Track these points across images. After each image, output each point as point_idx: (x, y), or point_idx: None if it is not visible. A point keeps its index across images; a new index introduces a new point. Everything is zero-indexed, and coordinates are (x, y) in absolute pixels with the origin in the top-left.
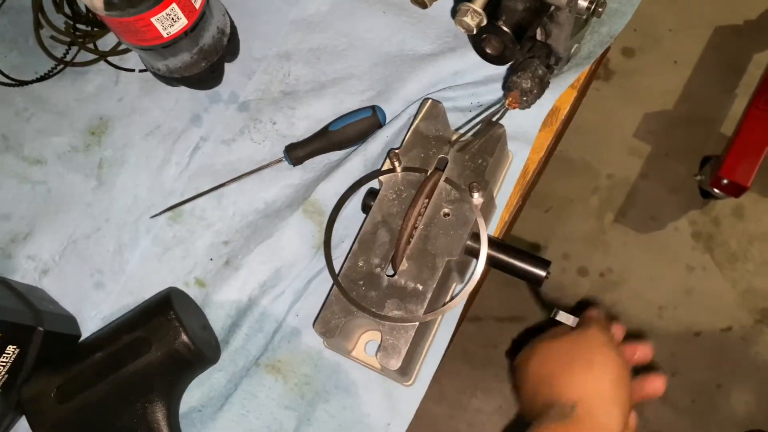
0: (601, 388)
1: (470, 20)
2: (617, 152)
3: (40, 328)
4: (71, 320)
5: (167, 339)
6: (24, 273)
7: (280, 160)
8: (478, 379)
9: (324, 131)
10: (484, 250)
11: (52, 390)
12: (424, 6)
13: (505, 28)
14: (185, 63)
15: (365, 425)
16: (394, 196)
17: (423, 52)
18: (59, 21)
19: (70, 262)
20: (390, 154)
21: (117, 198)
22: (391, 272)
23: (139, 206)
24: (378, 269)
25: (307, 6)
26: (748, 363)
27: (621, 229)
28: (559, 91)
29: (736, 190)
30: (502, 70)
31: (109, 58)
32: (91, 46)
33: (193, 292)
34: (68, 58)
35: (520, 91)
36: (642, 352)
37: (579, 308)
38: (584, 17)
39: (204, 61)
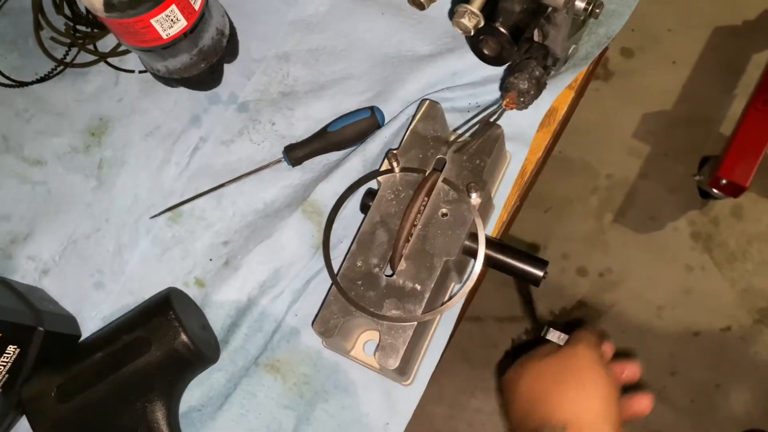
0: (591, 407)
1: (467, 22)
2: (616, 152)
3: (41, 328)
4: (71, 320)
5: (167, 339)
6: (24, 273)
7: (279, 161)
8: (477, 379)
9: (323, 132)
10: (482, 250)
11: (52, 390)
12: (421, 7)
13: (502, 30)
14: (185, 64)
15: (364, 425)
16: (393, 196)
17: (421, 52)
18: (59, 22)
19: (70, 263)
20: (388, 154)
21: (117, 198)
22: (390, 272)
23: (138, 207)
24: (376, 269)
25: (305, 7)
26: (747, 363)
27: (620, 229)
28: (557, 92)
29: (734, 190)
30: (500, 71)
31: (109, 59)
32: (91, 47)
33: (192, 292)
34: (68, 59)
35: (517, 92)
36: (630, 370)
37: (578, 308)
38: (581, 18)
39: (203, 62)
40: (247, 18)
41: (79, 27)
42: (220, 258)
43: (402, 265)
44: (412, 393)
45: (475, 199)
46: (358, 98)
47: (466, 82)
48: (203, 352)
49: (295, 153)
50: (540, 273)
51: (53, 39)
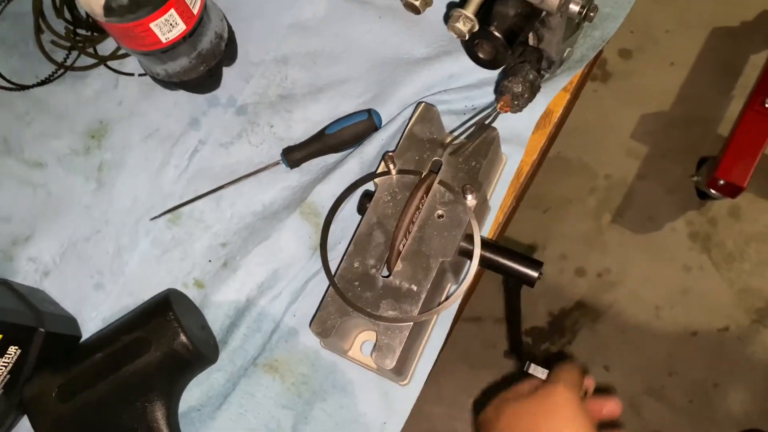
0: None
1: (462, 26)
2: (615, 153)
3: (41, 329)
4: (72, 321)
5: (166, 339)
6: (25, 275)
7: (277, 163)
8: (476, 379)
9: (320, 134)
10: (478, 252)
11: (53, 390)
12: (417, 12)
13: (496, 34)
14: (184, 67)
15: (362, 424)
16: (389, 198)
17: (418, 55)
18: (59, 26)
19: (70, 264)
20: (385, 156)
21: (116, 200)
22: (386, 273)
23: (138, 208)
24: (373, 270)
25: (303, 11)
26: (745, 362)
27: (618, 229)
28: (552, 94)
29: (732, 190)
30: (496, 73)
31: (109, 63)
32: (91, 50)
33: (191, 293)
34: (68, 62)
35: (511, 95)
36: (610, 407)
37: (577, 308)
38: (576, 21)
39: (202, 65)
40: (246, 22)
41: (79, 31)
42: (219, 259)
43: (398, 266)
44: (409, 393)
45: (470, 200)
46: (356, 101)
47: (463, 85)
48: (202, 352)
49: (293, 155)
50: (535, 274)
51: (53, 42)
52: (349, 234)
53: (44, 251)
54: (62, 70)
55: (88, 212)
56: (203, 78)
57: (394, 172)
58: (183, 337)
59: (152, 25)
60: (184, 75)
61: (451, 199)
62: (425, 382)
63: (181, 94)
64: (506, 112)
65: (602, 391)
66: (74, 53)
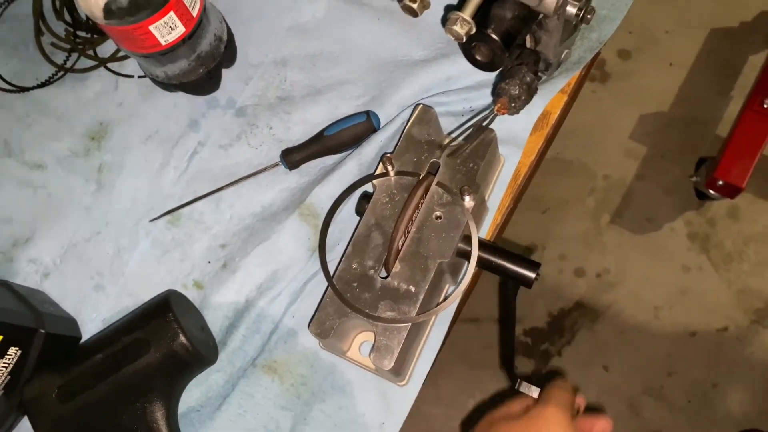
0: None
1: (459, 29)
2: (613, 154)
3: (42, 330)
4: (72, 322)
5: (166, 340)
6: (25, 276)
7: (276, 165)
8: (475, 380)
9: (319, 136)
10: (475, 253)
11: (53, 390)
12: (415, 14)
13: (493, 36)
14: (183, 69)
15: (360, 425)
16: (387, 199)
17: (416, 57)
18: (59, 28)
19: (70, 265)
20: (383, 158)
21: (116, 202)
22: (385, 274)
23: (138, 210)
24: (371, 271)
25: (302, 13)
26: (744, 363)
27: (617, 230)
28: (550, 96)
29: (731, 191)
30: (494, 75)
31: (109, 65)
32: (90, 52)
33: (191, 294)
34: (68, 64)
35: (508, 97)
36: (600, 427)
37: (576, 308)
38: (573, 24)
39: (201, 67)
40: (245, 24)
41: (79, 33)
42: (219, 260)
43: (397, 267)
44: (407, 393)
45: (468, 202)
46: (354, 102)
47: (461, 87)
48: (202, 353)
49: (292, 157)
50: (532, 275)
51: (53, 45)
52: (347, 235)
53: (44, 252)
54: (62, 72)
55: (88, 213)
56: (202, 80)
57: (392, 173)
58: (182, 338)
59: (152, 28)
60: (184, 77)
61: (449, 200)
62: (424, 383)
63: (181, 96)
64: (503, 114)
65: (593, 409)
66: (74, 55)
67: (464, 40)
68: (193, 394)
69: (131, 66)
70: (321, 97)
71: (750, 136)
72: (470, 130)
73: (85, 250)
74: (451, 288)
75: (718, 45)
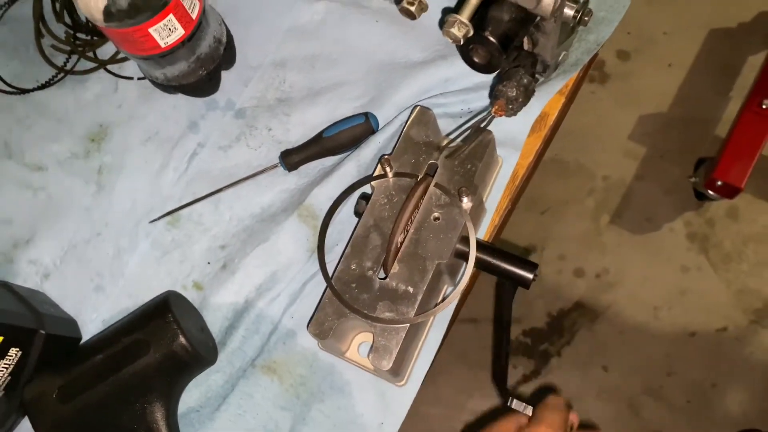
0: None
1: (457, 31)
2: (613, 154)
3: (42, 331)
4: (72, 323)
5: (166, 341)
6: (26, 277)
7: (275, 166)
8: (474, 380)
9: (318, 137)
10: (473, 253)
11: (53, 391)
12: (412, 17)
13: (491, 39)
14: (183, 71)
15: (359, 425)
16: (386, 200)
17: (415, 59)
18: (59, 30)
19: (70, 266)
20: (381, 159)
21: (116, 203)
22: (383, 275)
23: (137, 211)
24: (370, 272)
25: (301, 15)
26: (743, 363)
27: (616, 230)
28: (547, 98)
29: (730, 191)
30: (492, 77)
31: (109, 67)
32: (90, 54)
33: (190, 295)
34: (68, 66)
35: (505, 99)
36: None
37: (575, 308)
38: (571, 26)
39: (201, 69)
40: (244, 26)
41: (79, 35)
42: (218, 261)
43: (395, 268)
44: (405, 393)
45: (466, 203)
46: (353, 104)
47: (459, 88)
48: (201, 354)
49: (291, 158)
50: (530, 275)
51: (53, 47)
52: (346, 236)
53: (44, 253)
54: (62, 74)
55: (88, 215)
56: (202, 82)
57: (390, 174)
58: (182, 339)
59: (151, 30)
60: (183, 79)
61: (447, 201)
62: (422, 383)
63: (180, 98)
64: (501, 115)
65: (586, 426)
66: (74, 57)
67: (462, 43)
68: (193, 394)
69: (131, 68)
70: (320, 99)
71: (749, 137)
72: (468, 131)
73: (85, 251)
74: (450, 289)
75: (717, 46)
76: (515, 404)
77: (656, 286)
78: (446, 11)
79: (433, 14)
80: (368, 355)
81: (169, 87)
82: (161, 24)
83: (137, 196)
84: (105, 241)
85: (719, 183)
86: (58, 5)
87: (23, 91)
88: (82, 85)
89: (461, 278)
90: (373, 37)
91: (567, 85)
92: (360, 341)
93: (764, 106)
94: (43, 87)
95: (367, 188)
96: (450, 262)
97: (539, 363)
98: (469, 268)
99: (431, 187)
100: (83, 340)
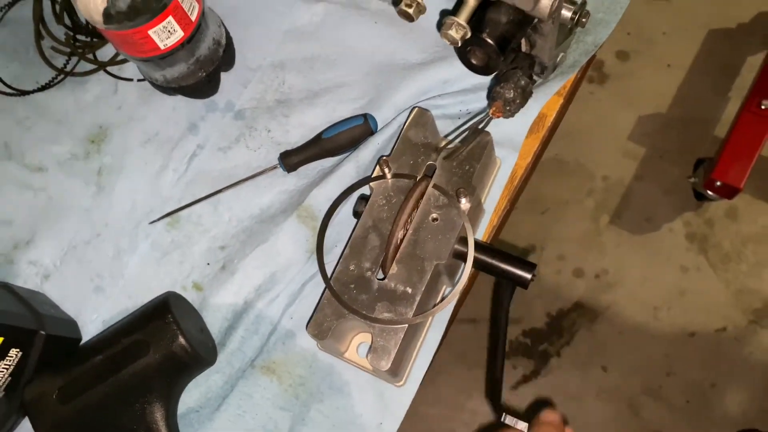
0: None
1: (455, 33)
2: (612, 154)
3: (42, 332)
4: (72, 324)
5: (165, 342)
6: (26, 278)
7: (274, 167)
8: (474, 380)
9: (317, 139)
10: (471, 254)
11: (53, 391)
12: (410, 19)
13: (489, 41)
14: (182, 73)
15: (358, 425)
16: (384, 201)
17: (413, 61)
18: (59, 32)
19: (70, 267)
20: (380, 161)
21: (116, 204)
22: (382, 276)
23: (137, 212)
24: (369, 273)
25: (300, 17)
26: (742, 363)
27: (616, 230)
28: (545, 99)
29: (729, 191)
30: (490, 78)
31: (108, 68)
32: (90, 56)
33: (190, 296)
34: (68, 68)
35: (503, 101)
36: None
37: (575, 309)
38: (569, 27)
39: (200, 71)
40: (243, 27)
41: (78, 37)
42: (218, 262)
43: (393, 269)
44: (404, 394)
45: (464, 204)
46: (352, 105)
47: (457, 90)
48: (201, 354)
49: (291, 159)
50: (528, 275)
51: (53, 48)
52: (345, 237)
53: (45, 254)
54: (62, 76)
55: (88, 216)
56: (201, 83)
57: (389, 176)
58: (182, 340)
59: (151, 32)
60: (183, 80)
61: (446, 202)
62: (421, 384)
63: (180, 99)
64: (498, 117)
65: None
66: (74, 59)
67: (460, 45)
68: (193, 395)
69: (130, 69)
70: (319, 100)
71: (748, 137)
72: (466, 132)
73: (85, 252)
74: (448, 289)
75: (716, 46)
76: (509, 420)
77: (655, 287)
78: (444, 13)
79: (431, 16)
80: (367, 356)
81: (168, 89)
82: (160, 26)
83: (137, 197)
84: (105, 242)
85: (718, 183)
86: (57, 7)
87: (23, 93)
88: (82, 86)
89: (460, 279)
90: (372, 39)
91: (565, 86)
92: (359, 342)
93: (763, 107)
94: (43, 88)
95: (365, 189)
96: (448, 263)
97: (539, 363)
98: (468, 268)
99: (430, 188)
100: (83, 341)
